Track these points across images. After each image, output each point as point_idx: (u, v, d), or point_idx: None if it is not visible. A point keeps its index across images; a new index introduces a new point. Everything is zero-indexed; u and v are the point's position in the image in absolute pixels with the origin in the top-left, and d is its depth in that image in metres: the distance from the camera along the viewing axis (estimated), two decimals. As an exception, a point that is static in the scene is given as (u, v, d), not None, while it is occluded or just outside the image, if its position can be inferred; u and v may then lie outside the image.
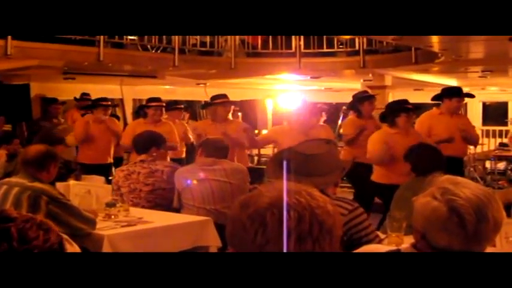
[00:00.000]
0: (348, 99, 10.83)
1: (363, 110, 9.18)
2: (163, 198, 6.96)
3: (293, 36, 12.25)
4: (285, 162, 4.07)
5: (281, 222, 1.80)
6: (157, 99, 9.71)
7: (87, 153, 9.85)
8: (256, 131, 14.63)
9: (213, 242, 6.03)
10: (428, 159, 5.66)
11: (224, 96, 9.31)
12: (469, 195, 2.45)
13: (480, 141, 14.83)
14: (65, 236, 2.13)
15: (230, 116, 9.60)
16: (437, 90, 13.14)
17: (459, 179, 2.57)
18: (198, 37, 12.16)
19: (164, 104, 9.98)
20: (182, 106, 12.17)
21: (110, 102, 10.51)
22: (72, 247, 2.58)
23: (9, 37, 9.08)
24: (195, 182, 6.66)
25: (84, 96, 12.99)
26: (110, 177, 7.43)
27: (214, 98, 9.33)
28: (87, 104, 11.20)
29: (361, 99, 9.31)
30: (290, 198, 1.83)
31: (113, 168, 8.48)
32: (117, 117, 12.78)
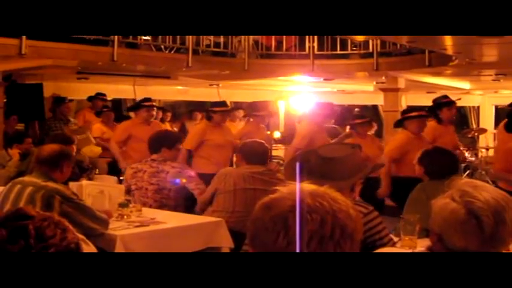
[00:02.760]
0: (361, 101, 10.83)
1: (442, 116, 8.93)
2: (169, 199, 7.03)
3: (306, 38, 12.24)
4: (299, 165, 4.06)
5: (303, 225, 1.80)
6: (225, 104, 9.77)
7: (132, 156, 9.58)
8: (269, 132, 14.70)
9: (225, 243, 6.04)
10: (442, 163, 5.65)
11: None
12: (488, 198, 2.45)
13: (492, 145, 14.87)
14: (81, 236, 2.13)
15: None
16: (450, 94, 13.13)
17: (478, 182, 2.58)
18: (211, 38, 12.15)
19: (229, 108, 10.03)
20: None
21: (153, 103, 10.47)
22: (89, 247, 2.59)
23: (24, 36, 9.10)
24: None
25: (99, 96, 13.01)
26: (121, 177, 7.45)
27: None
28: (131, 106, 11.19)
29: (440, 105, 9.05)
30: (313, 202, 1.83)
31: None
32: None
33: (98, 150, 10.25)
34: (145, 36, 11.37)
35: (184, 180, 7.03)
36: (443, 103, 9.12)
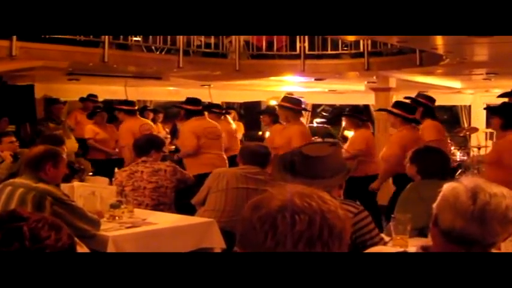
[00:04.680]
0: (352, 101, 10.80)
1: None
2: (166, 196, 7.17)
3: (297, 38, 12.24)
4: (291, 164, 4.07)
5: (291, 225, 1.80)
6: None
7: None
8: (260, 132, 14.74)
9: (217, 243, 6.05)
10: (434, 163, 5.65)
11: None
12: (494, 188, 2.48)
13: (484, 144, 14.90)
14: (74, 238, 2.14)
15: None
16: (442, 93, 13.07)
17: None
18: (202, 38, 12.16)
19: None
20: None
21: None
22: (82, 249, 2.59)
23: (14, 38, 9.08)
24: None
25: (91, 97, 13.00)
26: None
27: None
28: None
29: None
30: (301, 202, 1.83)
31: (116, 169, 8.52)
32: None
33: (75, 145, 10.34)
34: (136, 36, 11.37)
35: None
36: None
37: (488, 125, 7.95)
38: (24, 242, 1.89)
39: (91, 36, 10.34)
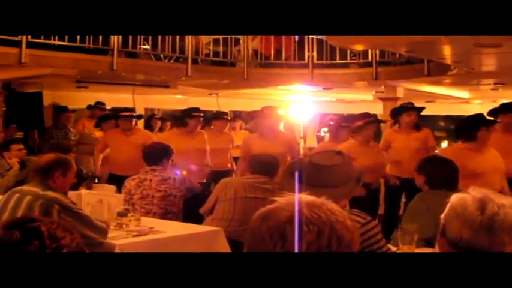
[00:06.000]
0: (360, 110, 10.74)
1: (401, 122, 9.34)
2: (174, 205, 7.18)
3: (305, 47, 12.25)
4: (297, 173, 4.06)
5: (300, 236, 1.80)
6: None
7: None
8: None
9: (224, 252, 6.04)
10: (443, 173, 5.63)
11: None
12: (502, 199, 2.48)
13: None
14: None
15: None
16: (450, 103, 13.03)
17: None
18: (211, 47, 12.18)
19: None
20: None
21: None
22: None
23: (24, 45, 9.13)
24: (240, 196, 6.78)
25: (98, 105, 12.99)
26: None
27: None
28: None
29: (400, 111, 9.39)
30: (310, 213, 1.84)
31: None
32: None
33: None
34: (144, 44, 11.39)
35: (184, 172, 7.59)
36: (402, 109, 9.43)
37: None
38: (44, 240, 1.95)
39: (100, 44, 10.39)
